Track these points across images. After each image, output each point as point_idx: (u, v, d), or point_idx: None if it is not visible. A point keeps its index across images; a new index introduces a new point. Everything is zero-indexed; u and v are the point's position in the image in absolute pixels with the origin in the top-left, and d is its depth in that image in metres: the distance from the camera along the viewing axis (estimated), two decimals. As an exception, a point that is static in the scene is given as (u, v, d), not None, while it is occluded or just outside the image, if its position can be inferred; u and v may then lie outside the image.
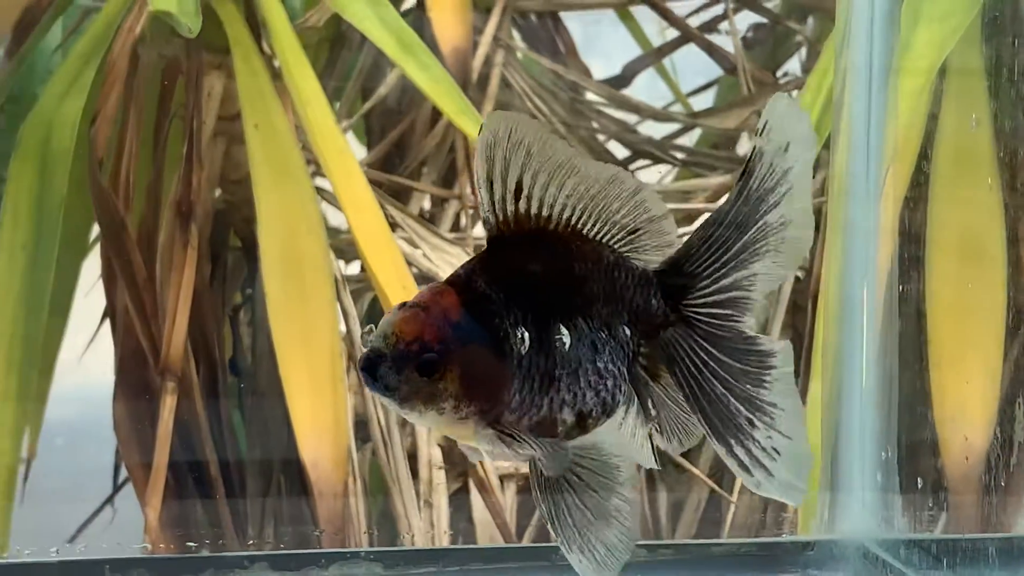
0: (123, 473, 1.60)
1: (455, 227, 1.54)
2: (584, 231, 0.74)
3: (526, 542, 1.34)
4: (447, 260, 1.43)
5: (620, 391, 0.74)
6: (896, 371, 1.10)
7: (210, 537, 1.28)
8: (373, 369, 0.69)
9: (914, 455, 1.07)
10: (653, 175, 1.78)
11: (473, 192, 1.54)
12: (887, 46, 1.14)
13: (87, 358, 1.56)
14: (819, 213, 1.49)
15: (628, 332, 0.75)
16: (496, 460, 0.73)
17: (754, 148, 0.75)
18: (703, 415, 0.74)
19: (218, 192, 1.47)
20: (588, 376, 0.73)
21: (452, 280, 0.73)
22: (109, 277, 1.37)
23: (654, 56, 1.74)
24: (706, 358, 0.75)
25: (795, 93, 1.67)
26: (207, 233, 1.39)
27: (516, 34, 1.69)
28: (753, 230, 0.75)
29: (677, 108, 1.81)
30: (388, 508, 1.39)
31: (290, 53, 1.34)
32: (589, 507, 0.74)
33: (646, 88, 1.81)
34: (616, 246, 0.75)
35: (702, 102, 1.88)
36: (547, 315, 0.73)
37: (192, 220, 1.33)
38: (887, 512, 1.06)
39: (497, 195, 0.72)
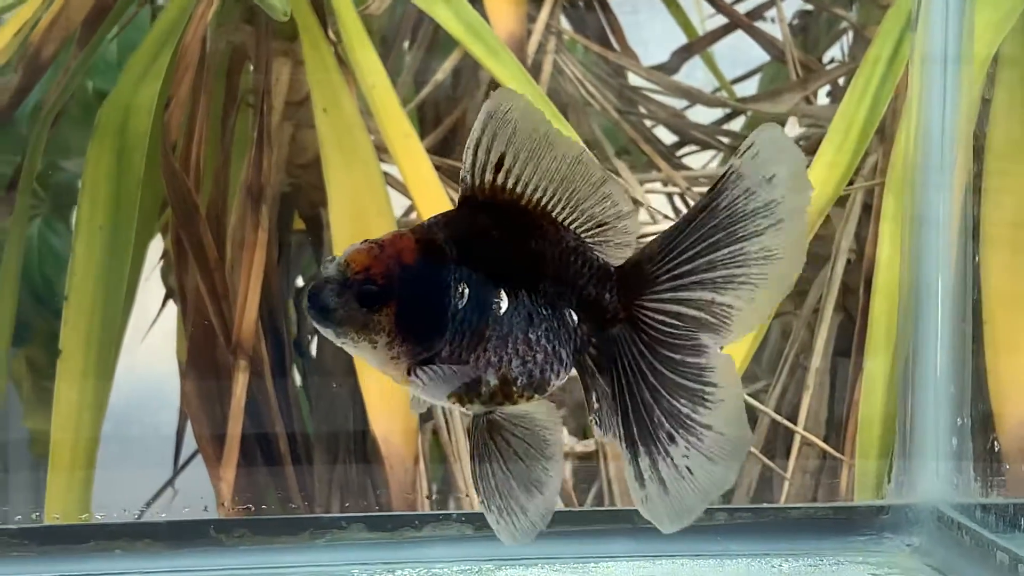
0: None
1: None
2: (553, 213, 0.77)
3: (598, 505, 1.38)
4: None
5: (552, 369, 0.77)
6: (969, 350, 1.13)
7: (279, 506, 1.32)
8: (317, 290, 0.74)
9: (984, 425, 1.10)
10: (701, 160, 1.81)
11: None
12: (959, 32, 1.17)
13: (135, 335, 1.61)
14: (868, 197, 1.52)
15: (575, 319, 0.77)
16: (428, 403, 0.76)
17: (730, 167, 0.75)
18: (622, 416, 0.76)
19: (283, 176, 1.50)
20: (517, 344, 0.76)
21: (415, 228, 0.77)
22: (180, 258, 1.41)
23: (702, 43, 1.77)
24: (642, 364, 0.76)
25: (840, 80, 1.70)
26: (275, 216, 1.42)
27: (566, 22, 1.72)
28: (725, 252, 0.75)
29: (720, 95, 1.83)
30: (448, 481, 1.43)
31: (356, 39, 1.37)
32: (513, 473, 0.77)
33: (685, 76, 1.84)
34: (584, 235, 0.78)
35: (743, 90, 1.91)
36: (492, 279, 0.76)
37: (262, 202, 1.37)
38: (961, 477, 1.09)
39: (480, 161, 0.75)
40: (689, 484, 0.74)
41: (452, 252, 0.75)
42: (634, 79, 1.73)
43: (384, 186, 1.37)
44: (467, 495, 1.37)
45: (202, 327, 1.38)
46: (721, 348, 0.77)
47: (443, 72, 1.60)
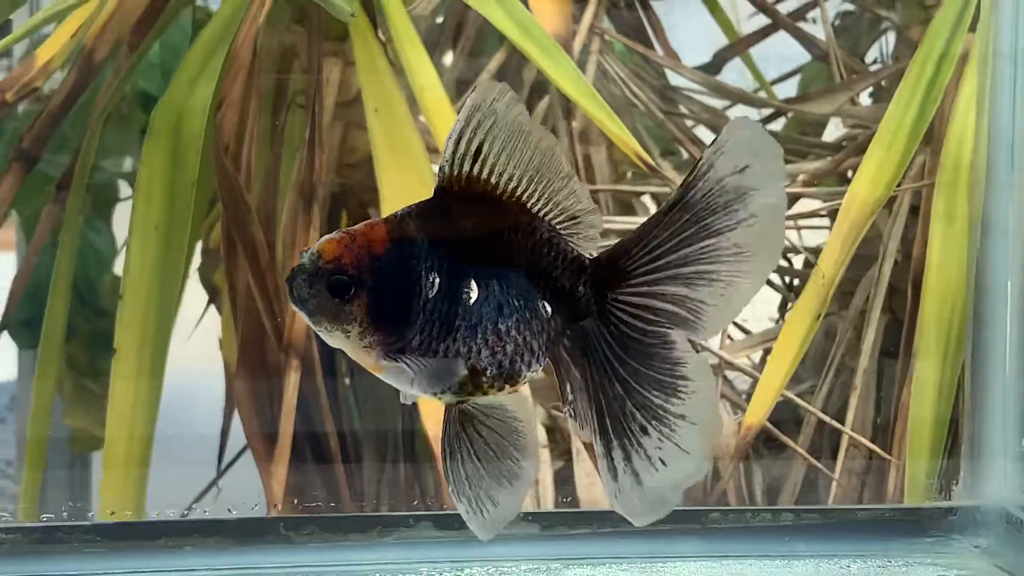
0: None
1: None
2: (528, 204, 0.77)
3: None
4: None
5: (523, 360, 0.77)
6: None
7: (328, 504, 1.32)
8: (291, 280, 0.75)
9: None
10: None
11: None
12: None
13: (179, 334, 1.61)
14: (914, 198, 1.52)
15: (549, 310, 0.77)
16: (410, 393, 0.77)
17: (701, 158, 0.75)
18: (596, 409, 0.76)
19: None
20: (487, 335, 0.76)
21: (388, 218, 0.77)
22: (230, 257, 1.42)
23: (744, 44, 1.77)
24: (611, 357, 0.76)
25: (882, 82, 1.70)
26: (325, 215, 1.43)
27: (607, 22, 1.72)
28: (698, 247, 0.75)
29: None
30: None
31: (406, 39, 1.38)
32: (484, 464, 0.77)
33: (721, 76, 1.84)
34: (558, 226, 0.78)
35: (781, 91, 1.91)
36: (463, 269, 0.76)
37: (314, 202, 1.37)
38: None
39: (459, 152, 0.76)
40: (662, 476, 0.75)
41: (424, 242, 0.76)
42: (673, 79, 1.74)
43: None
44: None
45: (253, 326, 1.39)
46: (697, 346, 0.77)
47: (487, 73, 1.60)
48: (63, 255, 1.42)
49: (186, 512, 1.23)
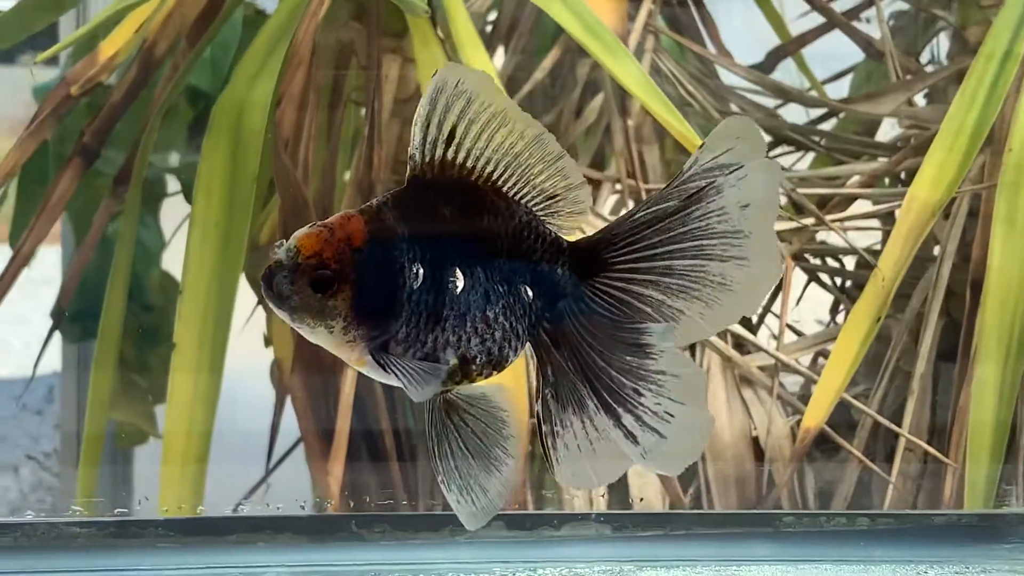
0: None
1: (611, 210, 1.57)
2: (504, 188, 0.76)
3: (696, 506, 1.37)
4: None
5: (510, 346, 0.76)
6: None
7: (384, 501, 1.32)
8: (269, 278, 0.73)
9: None
10: (789, 160, 1.80)
11: (631, 175, 1.57)
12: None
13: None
14: (975, 201, 1.51)
15: (531, 294, 0.77)
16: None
17: (712, 182, 0.75)
18: (590, 387, 0.76)
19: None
20: (475, 323, 0.75)
21: (363, 209, 0.76)
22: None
23: (797, 43, 1.76)
24: (587, 334, 0.77)
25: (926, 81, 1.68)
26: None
27: (661, 20, 1.72)
28: (687, 263, 0.76)
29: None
30: (547, 478, 1.42)
31: (466, 36, 1.37)
32: (472, 452, 0.76)
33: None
34: (534, 208, 0.77)
35: (832, 90, 1.90)
36: (446, 258, 0.75)
37: (372, 198, 1.37)
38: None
39: (430, 137, 0.74)
40: (676, 425, 0.75)
41: (404, 232, 0.75)
42: (724, 77, 1.73)
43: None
44: (569, 495, 1.37)
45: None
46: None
47: (541, 71, 1.60)
48: (121, 250, 1.43)
49: (237, 509, 1.23)
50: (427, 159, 0.75)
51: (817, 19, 1.77)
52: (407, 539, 1.02)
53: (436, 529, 1.02)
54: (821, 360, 1.68)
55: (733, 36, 1.79)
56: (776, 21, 1.80)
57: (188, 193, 1.90)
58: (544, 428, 0.77)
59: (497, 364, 0.77)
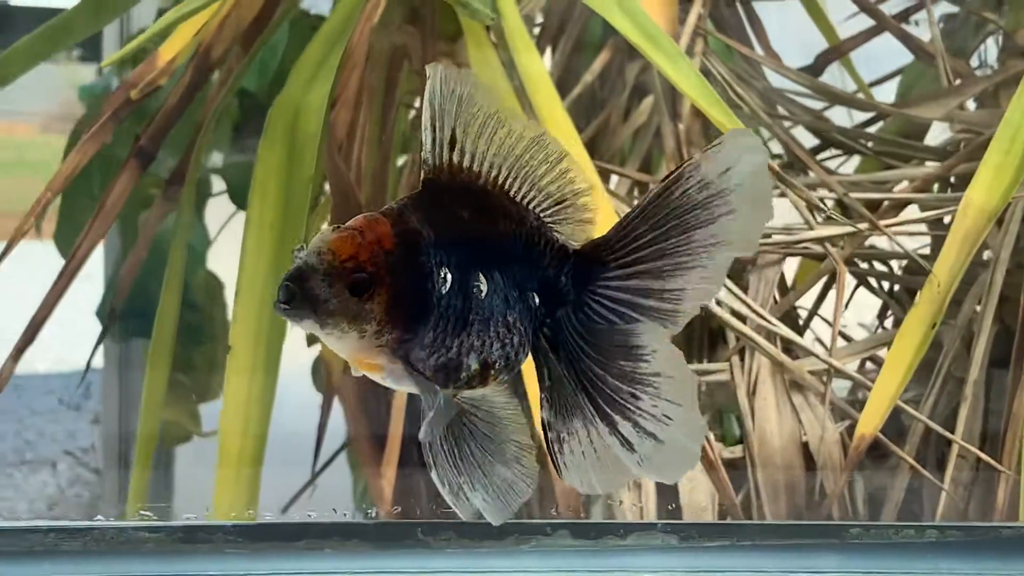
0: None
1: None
2: (511, 192, 0.76)
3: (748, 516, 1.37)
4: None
5: (524, 351, 0.76)
6: None
7: (434, 507, 1.32)
8: (302, 281, 0.70)
9: None
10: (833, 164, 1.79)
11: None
12: None
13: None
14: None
15: (537, 299, 0.76)
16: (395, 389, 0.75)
17: (692, 158, 0.75)
18: (585, 394, 0.76)
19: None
20: (498, 328, 0.75)
21: (386, 212, 0.75)
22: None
23: (847, 46, 1.75)
24: (581, 341, 0.76)
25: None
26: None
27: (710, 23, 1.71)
28: (674, 241, 0.75)
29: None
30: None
31: (519, 40, 1.37)
32: (490, 451, 0.76)
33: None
34: (541, 213, 0.77)
35: (879, 93, 1.88)
36: (468, 262, 0.74)
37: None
38: None
39: (437, 140, 0.74)
40: (675, 428, 0.75)
41: (429, 236, 0.74)
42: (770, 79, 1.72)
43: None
44: (620, 502, 1.36)
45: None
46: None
47: (591, 74, 1.60)
48: (175, 251, 1.44)
49: (346, 514, 1.22)
50: (437, 163, 0.75)
51: (859, 22, 1.77)
52: (472, 547, 1.03)
53: (501, 537, 1.02)
54: (868, 365, 1.67)
55: (777, 39, 1.78)
56: (824, 24, 1.79)
57: (233, 193, 1.91)
58: (550, 435, 0.77)
59: (511, 369, 0.77)
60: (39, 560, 0.94)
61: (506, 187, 0.76)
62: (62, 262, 1.39)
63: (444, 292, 0.74)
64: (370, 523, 1.06)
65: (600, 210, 0.79)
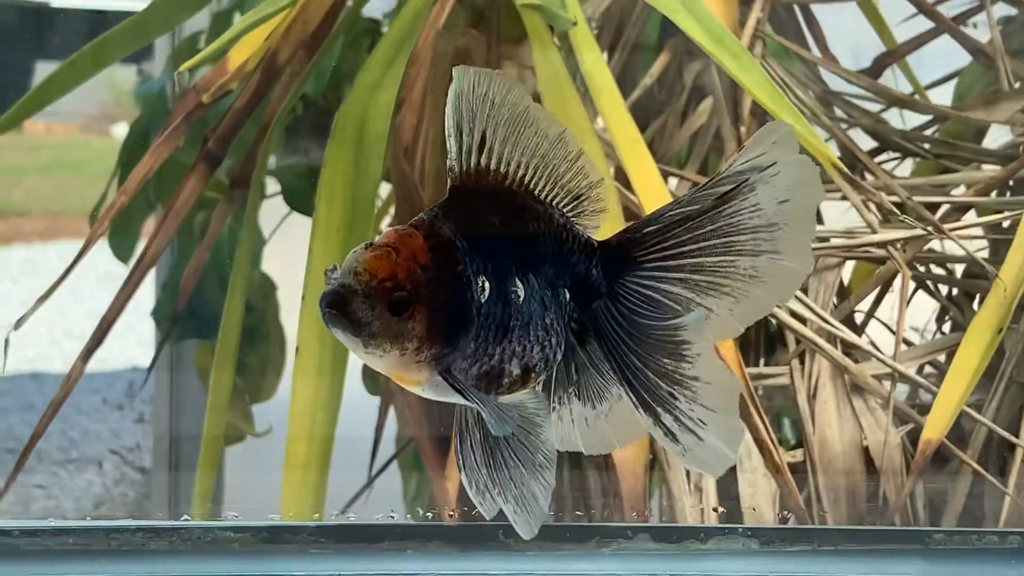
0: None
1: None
2: (535, 191, 0.75)
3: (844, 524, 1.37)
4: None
5: (560, 350, 0.76)
6: None
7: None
8: (343, 305, 0.69)
9: None
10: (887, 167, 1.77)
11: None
12: None
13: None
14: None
15: (567, 296, 0.76)
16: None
17: (746, 180, 0.73)
18: (629, 386, 0.75)
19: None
20: (537, 331, 0.74)
21: (416, 224, 0.74)
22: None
23: (903, 48, 1.74)
24: (624, 334, 0.76)
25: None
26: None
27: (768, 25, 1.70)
28: (717, 260, 0.75)
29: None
30: (661, 489, 1.42)
31: (583, 42, 1.37)
32: (521, 461, 0.75)
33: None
34: (564, 209, 0.77)
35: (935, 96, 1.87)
36: (504, 267, 0.74)
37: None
38: None
39: (465, 145, 0.73)
40: (711, 431, 0.75)
41: (463, 245, 0.73)
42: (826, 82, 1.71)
43: (614, 190, 1.37)
44: (679, 503, 1.36)
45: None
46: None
47: (651, 76, 1.60)
48: (241, 253, 1.45)
49: (431, 515, 1.23)
50: (463, 168, 0.74)
51: (910, 25, 1.76)
52: (554, 549, 1.03)
53: (583, 540, 1.02)
54: (927, 369, 1.66)
55: (836, 41, 1.78)
56: (880, 26, 1.78)
57: (287, 194, 1.93)
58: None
59: (548, 370, 0.76)
60: (126, 559, 0.95)
61: (531, 187, 0.76)
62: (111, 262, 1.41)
63: (483, 301, 0.73)
64: (452, 525, 1.07)
65: (610, 199, 0.80)
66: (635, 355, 0.75)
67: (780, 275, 0.75)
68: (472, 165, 0.74)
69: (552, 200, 0.76)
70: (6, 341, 1.31)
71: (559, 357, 0.76)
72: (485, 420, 0.73)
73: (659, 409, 0.75)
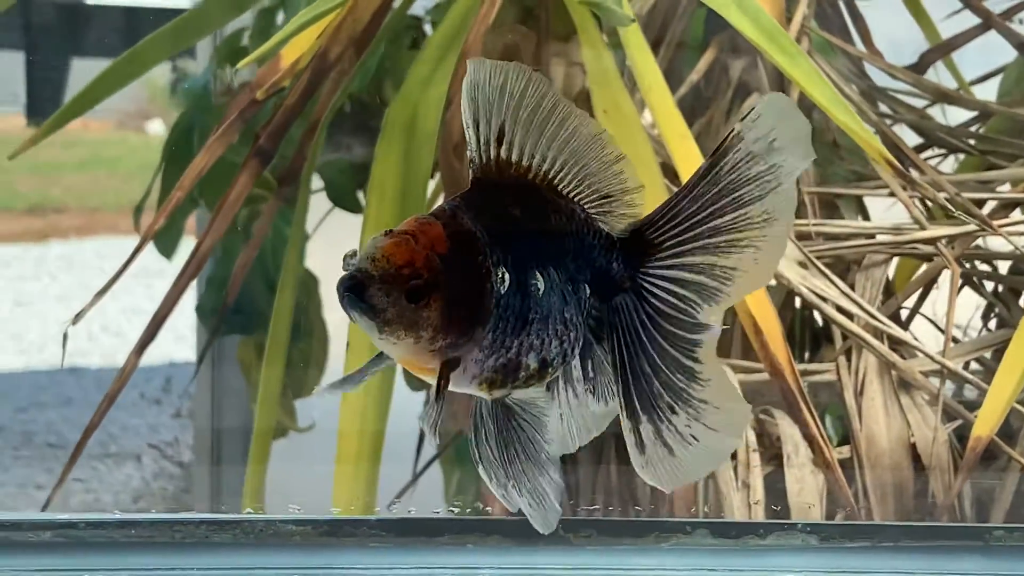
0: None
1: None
2: (559, 187, 0.75)
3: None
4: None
5: (578, 345, 0.75)
6: None
7: (592, 506, 1.33)
8: (360, 290, 0.69)
9: None
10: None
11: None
12: None
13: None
14: None
15: (587, 291, 0.75)
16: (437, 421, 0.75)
17: (733, 130, 0.73)
18: (623, 385, 0.74)
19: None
20: (556, 325, 0.74)
21: (437, 214, 0.73)
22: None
23: (952, 44, 1.73)
24: (642, 335, 0.75)
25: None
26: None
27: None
28: (729, 217, 0.74)
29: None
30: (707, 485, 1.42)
31: (632, 39, 1.37)
32: (531, 457, 0.75)
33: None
34: (587, 206, 0.76)
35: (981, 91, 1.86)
36: (524, 260, 0.73)
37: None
38: None
39: (482, 137, 0.73)
40: (695, 449, 0.74)
41: (483, 236, 0.73)
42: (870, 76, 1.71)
43: (664, 187, 1.37)
44: (726, 500, 1.36)
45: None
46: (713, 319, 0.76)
47: (697, 73, 1.60)
48: (291, 249, 1.46)
49: (488, 510, 1.24)
50: (484, 160, 0.74)
51: (953, 21, 1.75)
52: (613, 544, 1.03)
53: (641, 535, 1.03)
54: (972, 365, 1.65)
55: (881, 36, 1.77)
56: (925, 21, 1.77)
57: (330, 190, 1.94)
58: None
59: (564, 365, 0.76)
60: (190, 552, 0.96)
61: (556, 182, 0.75)
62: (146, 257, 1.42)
63: (502, 292, 0.73)
64: (511, 519, 1.07)
65: (645, 205, 0.78)
66: (647, 359, 0.75)
67: (786, 205, 0.75)
68: (492, 157, 0.74)
69: (576, 196, 0.76)
70: (64, 336, 1.32)
71: (576, 352, 0.76)
72: (430, 420, 0.74)
73: (643, 416, 0.74)
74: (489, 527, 1.01)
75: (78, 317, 1.28)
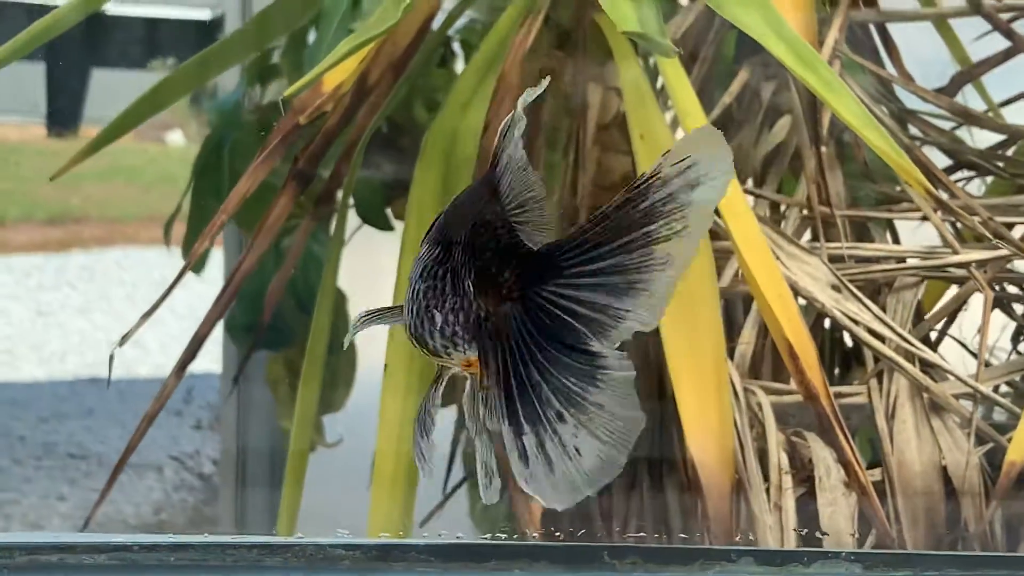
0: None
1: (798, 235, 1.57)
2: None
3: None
4: (804, 270, 1.46)
5: (434, 327, 0.75)
6: None
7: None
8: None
9: None
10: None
11: (822, 201, 1.57)
12: None
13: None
14: None
15: (472, 290, 0.74)
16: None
17: (657, 168, 0.70)
18: (506, 395, 0.71)
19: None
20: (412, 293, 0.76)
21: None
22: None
23: (979, 68, 1.74)
24: (531, 344, 0.72)
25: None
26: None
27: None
28: (636, 255, 0.71)
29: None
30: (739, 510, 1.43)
31: (668, 64, 1.39)
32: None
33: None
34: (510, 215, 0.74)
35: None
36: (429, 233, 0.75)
37: (576, 223, 1.39)
38: None
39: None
40: (576, 464, 0.70)
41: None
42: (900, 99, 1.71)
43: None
44: (759, 523, 1.37)
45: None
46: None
47: (729, 95, 1.61)
48: (329, 269, 1.47)
49: (537, 535, 1.24)
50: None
51: (984, 43, 1.75)
52: (658, 571, 1.04)
53: (686, 563, 1.03)
54: (1002, 388, 1.66)
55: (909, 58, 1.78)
56: (955, 45, 1.78)
57: (359, 208, 1.95)
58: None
59: (418, 340, 0.77)
60: (241, 574, 0.97)
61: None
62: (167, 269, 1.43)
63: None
64: (558, 545, 1.08)
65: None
66: (537, 367, 0.72)
67: (687, 248, 0.71)
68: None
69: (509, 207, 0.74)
70: (111, 357, 1.33)
71: (433, 338, 0.76)
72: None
73: (527, 427, 0.71)
74: (538, 552, 1.01)
75: (125, 339, 1.30)
